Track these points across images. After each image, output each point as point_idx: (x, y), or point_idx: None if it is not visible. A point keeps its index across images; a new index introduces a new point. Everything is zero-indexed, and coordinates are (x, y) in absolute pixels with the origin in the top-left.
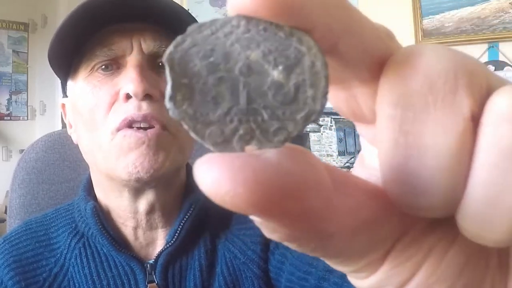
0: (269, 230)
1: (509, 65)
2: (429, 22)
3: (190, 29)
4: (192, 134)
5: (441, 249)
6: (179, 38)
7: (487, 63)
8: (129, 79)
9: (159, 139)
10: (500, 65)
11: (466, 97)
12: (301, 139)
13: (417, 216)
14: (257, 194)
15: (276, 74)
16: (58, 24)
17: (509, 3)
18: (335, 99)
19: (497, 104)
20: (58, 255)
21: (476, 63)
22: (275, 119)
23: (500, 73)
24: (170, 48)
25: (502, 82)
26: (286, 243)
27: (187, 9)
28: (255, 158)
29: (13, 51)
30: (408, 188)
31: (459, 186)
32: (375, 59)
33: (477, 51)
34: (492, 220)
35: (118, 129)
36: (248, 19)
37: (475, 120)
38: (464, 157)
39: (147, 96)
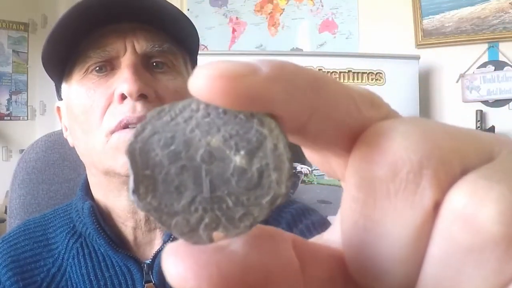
0: None
1: (509, 65)
2: (429, 22)
3: (150, 115)
4: (159, 225)
5: None
6: (139, 126)
7: (487, 63)
8: (123, 79)
9: None
10: (500, 65)
11: (429, 188)
12: None
13: None
14: None
15: (238, 159)
16: None
17: (509, 3)
18: (310, 159)
19: (452, 201)
20: (56, 255)
21: (452, 142)
22: (240, 205)
23: (500, 73)
24: (131, 139)
25: (483, 156)
26: None
27: (187, 9)
28: (220, 252)
29: (13, 51)
30: (363, 269)
31: (413, 274)
32: (348, 133)
33: (477, 51)
34: None
35: (113, 132)
36: (208, 102)
37: (439, 207)
38: (420, 248)
39: (141, 96)
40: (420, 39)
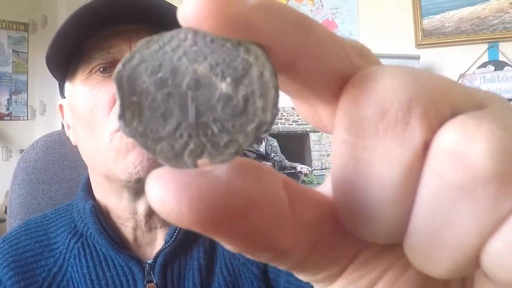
0: (221, 242)
1: (509, 65)
2: (429, 22)
3: (139, 44)
4: (144, 150)
5: (397, 270)
6: (128, 55)
7: (487, 63)
8: None
9: None
10: (500, 65)
11: (418, 127)
12: (301, 139)
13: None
14: (202, 214)
15: (224, 86)
16: (58, 25)
17: (509, 3)
18: (299, 112)
19: (443, 139)
20: (57, 255)
21: (442, 86)
22: (225, 132)
23: (500, 73)
24: (119, 67)
25: (473, 103)
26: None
27: None
28: (203, 176)
29: (13, 51)
30: (354, 214)
31: (404, 217)
32: (336, 79)
33: (477, 51)
34: (433, 254)
35: (118, 130)
36: (196, 31)
37: (429, 147)
38: (410, 189)
39: None
40: (420, 39)
